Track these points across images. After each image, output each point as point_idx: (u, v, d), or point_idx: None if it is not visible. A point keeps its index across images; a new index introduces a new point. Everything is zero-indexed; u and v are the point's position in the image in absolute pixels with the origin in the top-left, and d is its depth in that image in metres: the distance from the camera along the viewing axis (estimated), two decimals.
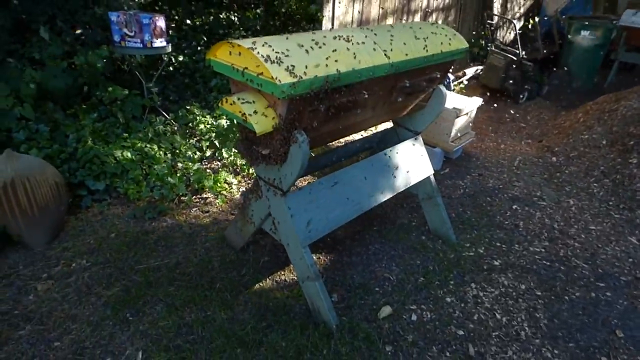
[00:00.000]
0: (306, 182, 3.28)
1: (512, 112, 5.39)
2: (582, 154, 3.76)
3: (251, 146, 1.73)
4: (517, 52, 5.34)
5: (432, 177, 2.61)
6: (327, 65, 1.49)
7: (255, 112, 1.48)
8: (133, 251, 2.47)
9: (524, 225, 2.98)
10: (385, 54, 1.73)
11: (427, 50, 1.95)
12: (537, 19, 7.07)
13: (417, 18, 4.99)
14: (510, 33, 7.61)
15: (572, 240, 2.85)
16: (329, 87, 1.50)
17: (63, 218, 2.62)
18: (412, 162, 2.45)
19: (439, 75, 2.19)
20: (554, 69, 6.19)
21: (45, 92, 3.15)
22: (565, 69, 6.06)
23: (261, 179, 1.90)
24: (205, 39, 5.40)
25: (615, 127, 3.62)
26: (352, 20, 4.10)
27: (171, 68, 4.45)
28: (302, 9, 4.29)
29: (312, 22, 3.83)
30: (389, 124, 2.80)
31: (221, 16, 5.87)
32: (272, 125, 1.52)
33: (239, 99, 1.50)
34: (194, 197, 3.09)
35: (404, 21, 4.79)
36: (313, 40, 1.57)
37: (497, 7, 6.91)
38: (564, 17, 6.38)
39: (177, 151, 3.42)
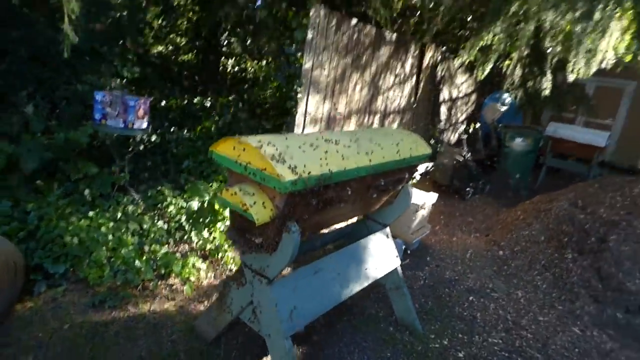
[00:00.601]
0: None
1: (460, 207, 5.88)
2: (524, 249, 4.15)
3: (244, 235, 1.82)
4: (463, 153, 6.02)
5: (399, 268, 2.77)
6: (321, 165, 1.69)
7: (255, 203, 1.61)
8: (90, 345, 2.27)
9: (481, 317, 3.16)
10: (367, 157, 1.98)
11: (399, 155, 2.23)
12: (477, 125, 8.08)
13: (377, 118, 5.57)
14: (454, 135, 8.58)
15: (524, 331, 3.04)
16: (322, 184, 1.68)
17: (13, 305, 2.41)
18: (382, 253, 2.62)
19: (407, 176, 2.48)
20: (494, 170, 6.98)
21: (15, 166, 3.08)
22: (503, 169, 6.85)
23: (247, 267, 1.95)
24: (178, 120, 5.62)
25: (551, 225, 4.09)
26: (321, 117, 4.52)
27: (141, 147, 4.53)
28: (277, 102, 4.68)
29: (287, 115, 4.18)
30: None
31: (195, 101, 6.19)
32: (270, 216, 1.64)
33: (240, 190, 1.63)
34: (160, 282, 2.99)
35: (365, 119, 5.34)
36: (309, 142, 1.78)
37: (443, 112, 7.86)
38: (500, 125, 7.38)
39: (145, 233, 3.36)
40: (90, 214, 3.23)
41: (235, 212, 1.80)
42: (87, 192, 3.53)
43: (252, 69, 8.04)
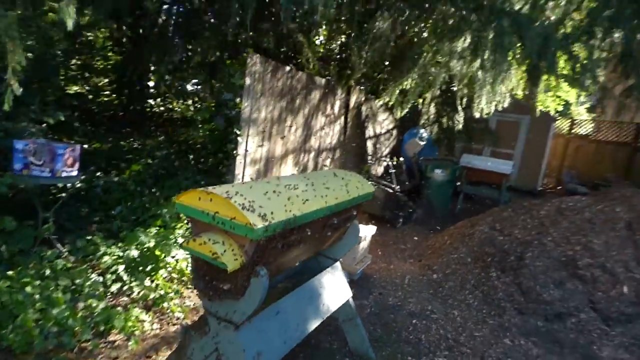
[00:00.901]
0: None
1: (393, 235, 6.26)
2: (455, 271, 4.54)
3: (211, 282, 1.83)
4: (393, 185, 6.48)
5: (351, 300, 2.90)
6: (286, 211, 1.79)
7: (225, 251, 1.65)
8: None
9: (426, 338, 3.38)
10: (323, 199, 2.12)
11: (349, 194, 2.41)
12: (401, 159, 8.75)
13: (312, 155, 5.81)
14: (380, 168, 9.16)
15: (464, 347, 3.31)
16: (288, 228, 1.78)
17: None
18: (336, 287, 2.73)
19: (355, 213, 2.66)
20: (419, 199, 7.56)
21: None
22: (427, 198, 7.45)
23: (212, 315, 1.94)
24: (104, 165, 5.31)
25: (475, 248, 4.55)
26: (260, 158, 4.62)
27: (67, 195, 4.22)
28: (212, 144, 4.69)
29: (223, 156, 4.22)
30: None
31: (122, 143, 5.92)
32: (240, 263, 1.69)
33: (209, 239, 1.66)
34: (100, 341, 2.77)
35: (300, 158, 5.55)
36: (272, 189, 1.88)
37: (370, 148, 8.40)
38: (421, 158, 8.07)
39: (78, 288, 3.11)
40: (10, 273, 2.92)
41: (200, 261, 1.81)
42: (3, 248, 3.19)
43: (181, 110, 7.94)
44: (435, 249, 5.29)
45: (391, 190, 6.44)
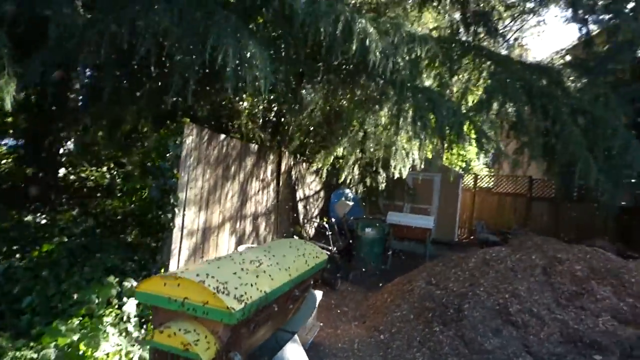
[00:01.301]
0: None
1: (333, 297, 6.21)
2: (400, 329, 4.60)
3: None
4: (329, 247, 6.54)
5: None
6: (258, 289, 1.73)
7: (199, 340, 1.52)
8: None
9: None
10: (287, 272, 2.09)
11: (307, 264, 2.41)
12: (332, 219, 8.95)
13: (249, 221, 5.72)
14: (311, 229, 9.25)
15: None
16: (261, 307, 1.71)
17: None
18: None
19: (312, 282, 2.64)
20: (352, 258, 7.70)
21: None
22: (360, 257, 7.62)
23: None
24: (4, 248, 4.61)
25: (416, 303, 4.69)
26: (197, 228, 4.42)
27: None
28: (143, 216, 4.39)
29: (161, 231, 3.97)
30: None
31: (27, 219, 5.25)
32: (214, 351, 1.56)
33: (179, 329, 1.52)
34: None
35: (238, 225, 5.41)
36: (239, 267, 1.82)
37: (301, 210, 8.50)
38: (351, 217, 8.34)
39: None
40: None
41: (165, 355, 1.63)
42: None
43: (97, 178, 7.36)
44: (377, 308, 5.34)
45: (328, 252, 6.48)
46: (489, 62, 5.73)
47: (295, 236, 7.67)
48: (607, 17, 7.20)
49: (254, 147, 5.87)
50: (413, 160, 6.72)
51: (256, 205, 6.04)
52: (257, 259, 2.00)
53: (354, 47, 3.80)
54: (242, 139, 5.52)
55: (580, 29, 7.07)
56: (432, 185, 11.30)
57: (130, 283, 3.41)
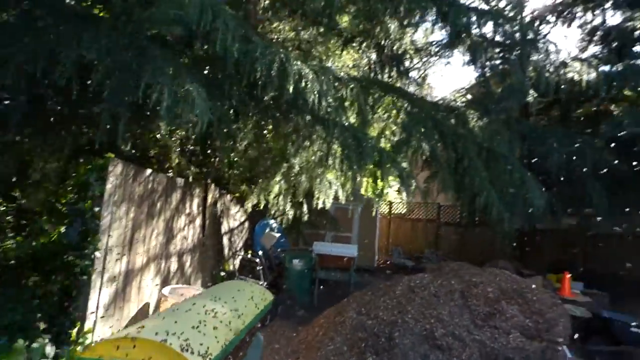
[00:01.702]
0: None
1: (263, 335, 6.05)
2: None
3: None
4: (260, 282, 6.42)
5: None
6: (218, 342, 1.68)
7: None
8: None
9: None
10: (240, 320, 2.06)
11: (257, 308, 2.39)
12: (260, 253, 8.80)
13: (174, 260, 5.41)
14: (236, 263, 8.99)
15: None
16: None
17: None
18: None
19: (259, 325, 2.61)
20: (280, 291, 7.62)
21: None
22: (288, 289, 7.58)
23: None
24: None
25: (349, 335, 4.80)
26: (120, 272, 4.07)
27: None
28: (51, 262, 3.92)
29: (77, 277, 3.57)
30: None
31: None
32: None
33: None
34: None
35: (163, 265, 5.09)
36: (195, 318, 1.75)
37: (226, 243, 8.25)
38: (278, 249, 8.30)
39: None
40: None
41: None
42: None
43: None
44: (309, 343, 5.33)
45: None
46: (405, 103, 6.32)
47: (222, 272, 7.40)
48: (498, 62, 8.44)
49: (180, 181, 5.64)
50: (336, 192, 7.02)
51: (182, 242, 5.75)
52: (212, 308, 1.93)
53: (289, 87, 3.95)
54: (168, 173, 5.27)
55: (477, 71, 8.17)
56: (353, 213, 11.78)
57: (42, 345, 2.98)
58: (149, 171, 4.70)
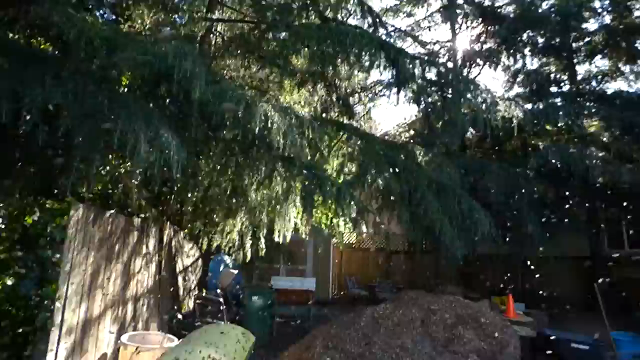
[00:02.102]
0: None
1: None
2: None
3: None
4: (222, 322, 6.24)
5: None
6: None
7: None
8: None
9: None
10: None
11: (245, 350, 2.43)
12: (217, 290, 8.54)
13: (131, 304, 5.16)
14: (191, 302, 8.64)
15: None
16: None
17: None
18: None
19: None
20: None
21: None
22: (248, 326, 7.42)
23: None
24: None
25: None
26: (78, 322, 3.84)
27: None
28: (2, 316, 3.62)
29: (33, 332, 3.33)
30: None
31: None
32: None
33: None
34: None
35: (120, 309, 4.84)
36: None
37: (181, 282, 7.95)
38: (236, 286, 8.13)
39: None
40: None
41: None
42: None
43: None
44: None
45: None
46: (358, 140, 6.70)
47: (178, 314, 7.09)
48: (438, 101, 9.21)
49: (137, 221, 5.47)
50: (295, 224, 7.16)
51: (138, 285, 5.50)
52: (209, 356, 1.96)
53: (256, 128, 4.10)
54: (127, 213, 5.10)
55: (421, 111, 8.86)
56: (307, 246, 11.87)
57: None
58: (109, 213, 4.54)
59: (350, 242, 14.68)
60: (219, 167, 5.48)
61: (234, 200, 6.32)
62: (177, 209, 6.78)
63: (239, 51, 7.15)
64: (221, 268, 8.61)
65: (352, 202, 5.40)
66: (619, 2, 10.21)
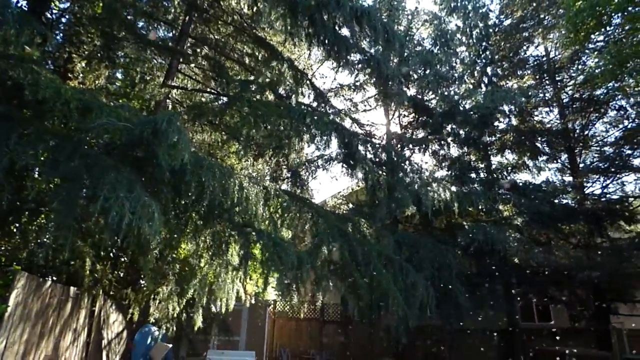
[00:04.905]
0: None
1: None
2: None
3: None
4: None
5: None
6: None
7: None
8: None
9: None
10: None
11: None
12: None
13: None
14: None
15: None
16: None
17: None
18: None
19: None
20: None
21: None
22: None
23: None
24: None
25: None
26: None
27: None
28: None
29: None
30: None
31: None
32: None
33: None
34: None
35: None
36: None
37: (104, 357, 7.09)
38: None
39: None
40: None
41: None
42: None
43: None
44: None
45: None
46: (310, 213, 6.95)
47: None
48: (382, 176, 9.92)
49: (74, 291, 4.98)
50: (238, 292, 6.96)
51: None
52: None
53: (231, 198, 4.17)
54: (63, 280, 4.63)
55: (369, 188, 9.45)
56: (241, 315, 11.33)
57: None
58: (49, 283, 4.11)
59: (285, 311, 14.29)
60: (175, 234, 5.30)
61: (178, 267, 6.04)
62: (111, 277, 6.26)
63: (197, 120, 7.28)
64: (148, 340, 7.86)
65: (311, 271, 5.50)
66: (522, 108, 12.29)
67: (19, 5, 5.77)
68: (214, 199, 4.34)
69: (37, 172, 3.04)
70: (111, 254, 5.69)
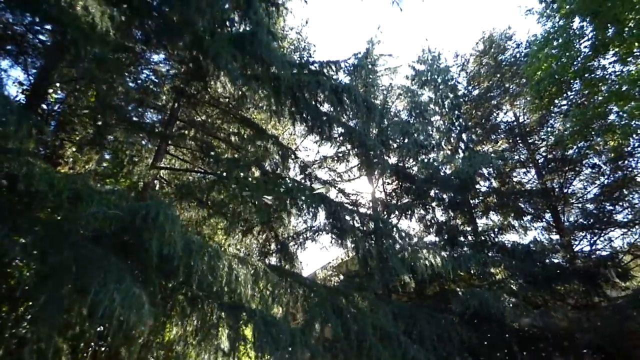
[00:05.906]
0: None
1: None
2: None
3: None
4: None
5: None
6: None
7: None
8: None
9: None
10: None
11: None
12: None
13: None
14: None
15: None
16: None
17: None
18: None
19: None
20: None
21: None
22: None
23: None
24: None
25: None
26: None
27: None
28: None
29: None
30: None
31: None
32: None
33: None
34: None
35: None
36: None
37: None
38: None
39: None
40: None
41: None
42: None
43: None
44: None
45: None
46: (302, 289, 6.81)
47: None
48: (372, 245, 9.85)
49: None
50: None
51: None
52: None
53: (222, 280, 4.11)
54: None
55: (358, 255, 9.36)
56: None
57: None
58: None
59: None
60: (161, 318, 5.09)
61: (162, 354, 5.71)
62: None
63: (184, 199, 7.36)
64: None
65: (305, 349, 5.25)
66: (500, 171, 12.78)
67: (18, 99, 6.04)
68: (202, 282, 4.27)
69: (24, 263, 2.98)
70: (90, 345, 5.37)
